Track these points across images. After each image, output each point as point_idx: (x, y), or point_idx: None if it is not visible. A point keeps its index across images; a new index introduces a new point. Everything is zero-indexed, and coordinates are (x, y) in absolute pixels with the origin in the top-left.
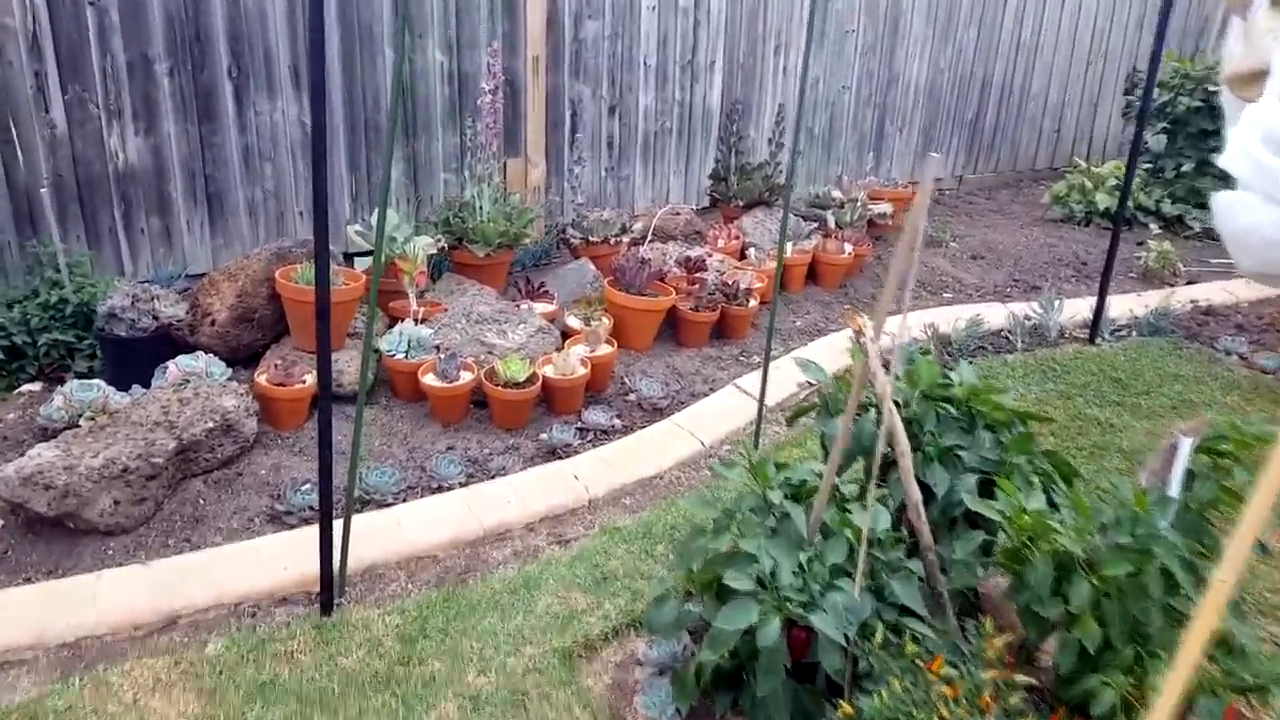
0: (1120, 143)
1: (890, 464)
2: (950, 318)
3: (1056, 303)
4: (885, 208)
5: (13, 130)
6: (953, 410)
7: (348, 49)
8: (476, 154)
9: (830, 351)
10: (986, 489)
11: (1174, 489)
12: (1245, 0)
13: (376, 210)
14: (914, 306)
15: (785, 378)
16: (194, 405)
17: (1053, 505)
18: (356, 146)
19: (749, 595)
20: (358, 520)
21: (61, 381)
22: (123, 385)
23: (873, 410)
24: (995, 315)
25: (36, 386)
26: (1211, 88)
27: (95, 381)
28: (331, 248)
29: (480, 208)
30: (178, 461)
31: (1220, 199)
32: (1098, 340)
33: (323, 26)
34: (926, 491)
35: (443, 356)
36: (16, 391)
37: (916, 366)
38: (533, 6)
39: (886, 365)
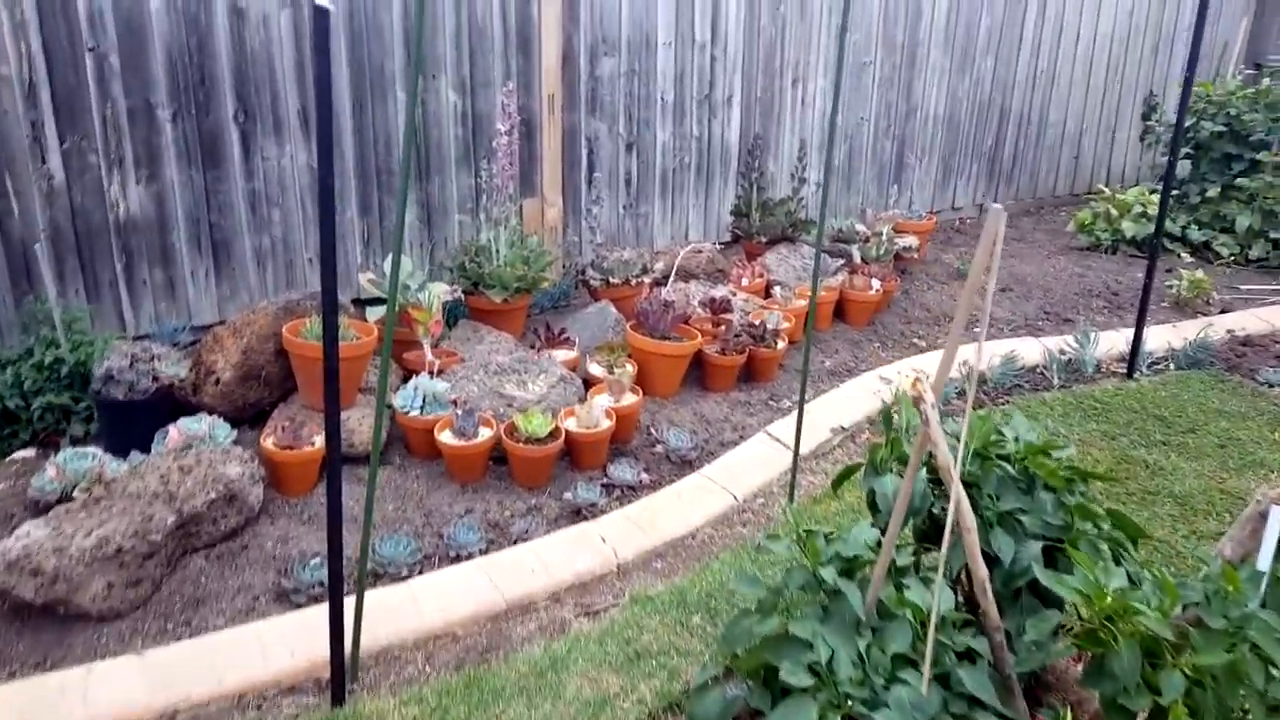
0: (1139, 168)
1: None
2: (984, 354)
3: (1092, 335)
4: (911, 240)
5: (7, 182)
6: (1010, 470)
7: (358, 90)
8: (492, 196)
9: (863, 393)
10: (1049, 557)
11: (1264, 562)
12: None
13: (390, 256)
14: (944, 344)
15: (817, 423)
16: (196, 473)
17: (1130, 580)
18: (369, 191)
19: (806, 692)
20: (371, 597)
21: (57, 447)
22: (122, 450)
23: (923, 471)
24: (1029, 350)
25: (31, 453)
26: (1233, 111)
27: (90, 449)
28: (341, 297)
29: (497, 251)
30: (178, 536)
31: None
32: (1136, 374)
33: (329, 76)
34: (989, 561)
35: (460, 413)
36: (9, 459)
37: (970, 422)
38: (548, 44)
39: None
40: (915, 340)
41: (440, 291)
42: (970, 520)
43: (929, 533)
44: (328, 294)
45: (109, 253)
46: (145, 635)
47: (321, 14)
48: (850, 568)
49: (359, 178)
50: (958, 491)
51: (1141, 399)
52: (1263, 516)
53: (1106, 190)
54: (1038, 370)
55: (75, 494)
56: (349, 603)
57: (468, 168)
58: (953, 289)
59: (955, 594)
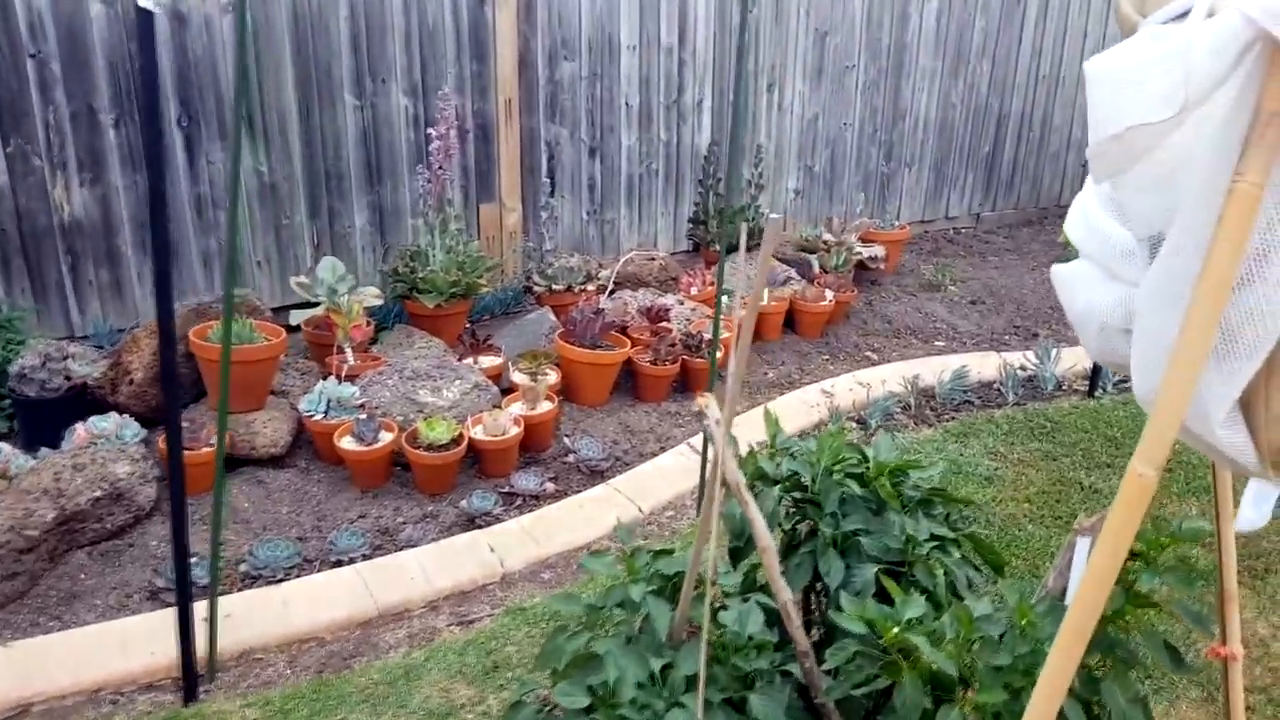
0: None
1: (792, 547)
2: (937, 369)
3: (1054, 351)
4: (878, 250)
5: None
6: (856, 489)
7: (304, 91)
8: (427, 200)
9: (801, 407)
10: (895, 579)
11: (1069, 594)
12: None
13: (323, 260)
14: (902, 356)
15: (744, 438)
16: (88, 471)
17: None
18: (317, 195)
19: (582, 713)
20: (242, 599)
21: None
22: (35, 447)
23: (775, 488)
24: (987, 366)
25: None
26: None
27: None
28: (257, 300)
29: (432, 256)
30: (60, 533)
31: (1058, 272)
32: (1098, 393)
33: (156, 80)
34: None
35: (362, 418)
36: None
37: (820, 440)
38: (503, 49)
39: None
40: (868, 353)
41: (370, 295)
42: (765, 540)
43: (782, 551)
44: (163, 319)
45: (54, 254)
46: (16, 628)
47: (145, 16)
48: (666, 587)
49: (307, 181)
50: (750, 511)
51: (1096, 418)
52: (1072, 546)
53: None
54: (993, 386)
55: None
56: (204, 605)
57: (419, 170)
58: (920, 300)
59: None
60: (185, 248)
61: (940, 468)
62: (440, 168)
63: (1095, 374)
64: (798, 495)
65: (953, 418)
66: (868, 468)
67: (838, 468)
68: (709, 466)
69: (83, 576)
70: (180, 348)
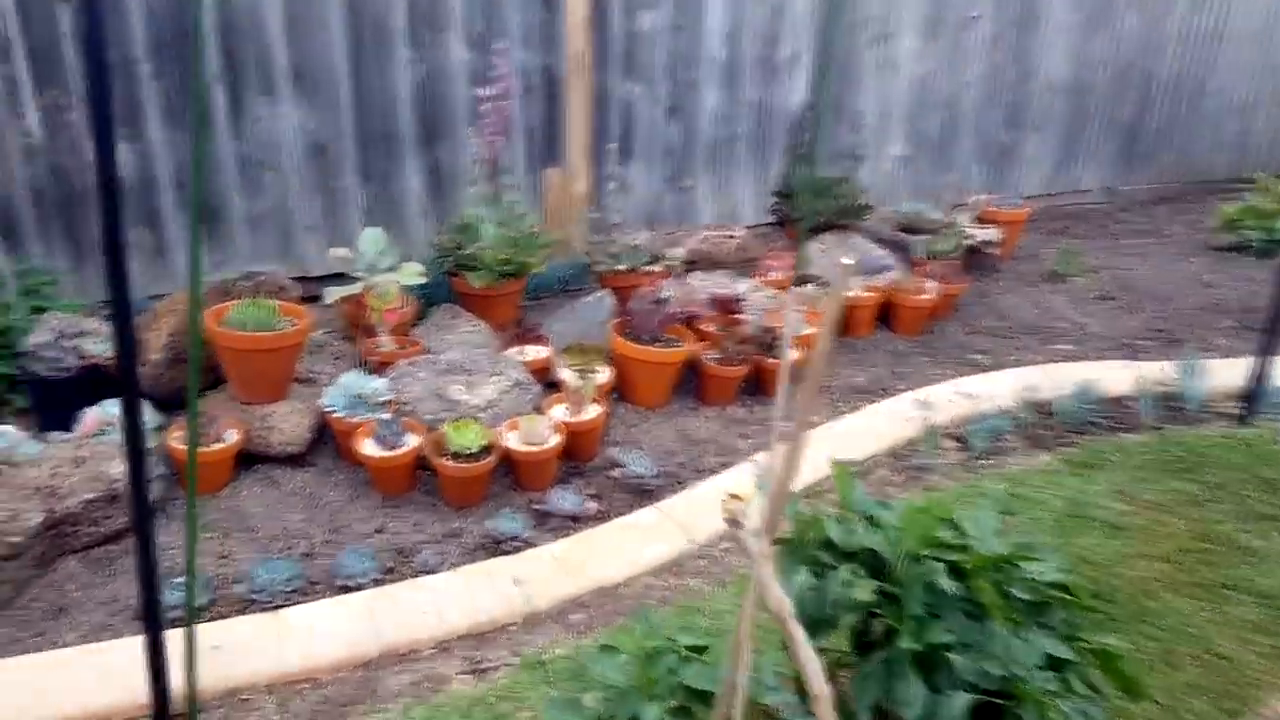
0: None
1: (864, 647)
2: (1058, 379)
3: (1199, 365)
4: (993, 234)
5: None
6: (950, 584)
7: (357, 45)
8: (479, 168)
9: (891, 420)
10: (993, 716)
11: None
12: None
13: (365, 232)
14: (1016, 360)
15: (821, 456)
16: (86, 468)
17: None
18: (369, 156)
19: None
20: (234, 627)
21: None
22: (52, 426)
23: (844, 567)
24: (1118, 378)
25: None
26: None
27: (3, 429)
28: (284, 279)
29: (482, 230)
30: (50, 537)
31: None
32: (1254, 419)
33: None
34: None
35: (385, 417)
36: None
37: (906, 512)
38: None
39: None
40: (975, 356)
41: (409, 274)
42: (819, 687)
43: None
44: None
45: (92, 215)
46: None
47: None
48: (692, 710)
49: (359, 142)
50: (800, 653)
51: (1251, 453)
52: None
53: (1263, 177)
54: (1124, 404)
55: None
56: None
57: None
58: (1040, 293)
59: None
60: (228, 211)
61: (1059, 560)
62: (492, 133)
63: (1254, 394)
64: (873, 579)
65: (1074, 442)
66: (966, 555)
67: (927, 552)
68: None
69: (71, 587)
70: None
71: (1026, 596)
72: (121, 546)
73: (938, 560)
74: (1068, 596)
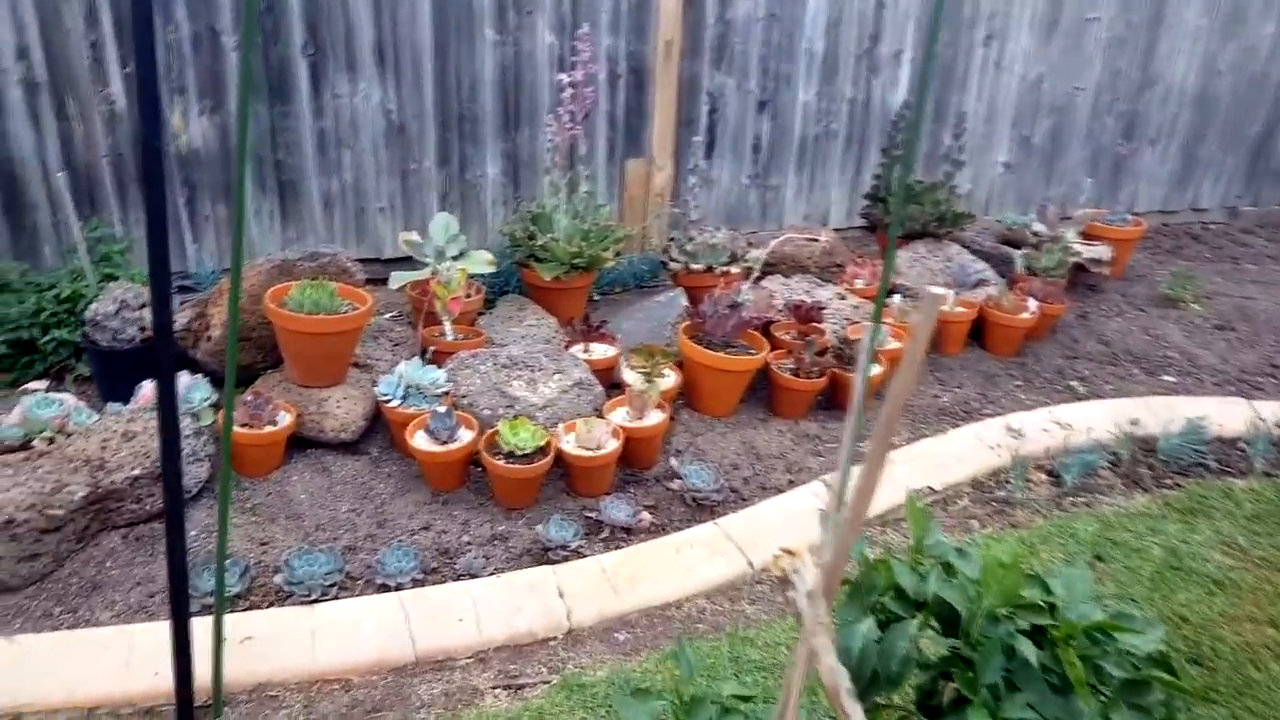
0: None
1: (930, 712)
2: (1163, 414)
3: None
4: (1102, 251)
5: (70, 104)
6: (1032, 652)
7: (442, 24)
8: (554, 157)
9: (976, 446)
10: None
11: None
12: None
13: (436, 217)
14: (1117, 390)
15: (899, 481)
16: (136, 443)
17: None
18: (448, 139)
19: None
20: (266, 620)
21: (62, 382)
22: (111, 397)
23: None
24: (1230, 416)
25: (43, 385)
26: None
27: (60, 396)
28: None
29: (555, 221)
30: (93, 512)
31: None
32: None
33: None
34: None
35: (440, 410)
36: (22, 389)
37: (987, 565)
38: None
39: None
40: (1073, 383)
41: (478, 262)
42: None
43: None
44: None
45: (170, 185)
46: (29, 616)
47: None
48: None
49: (438, 123)
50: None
51: None
52: None
53: None
54: (1236, 445)
55: (36, 443)
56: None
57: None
58: (1150, 318)
59: None
60: (305, 186)
61: (1160, 632)
62: (571, 120)
63: None
64: (945, 635)
65: (1177, 484)
66: (1052, 619)
67: (1008, 612)
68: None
69: (109, 564)
70: (261, 306)
71: (1120, 673)
72: (164, 525)
73: (1020, 623)
74: (1167, 676)
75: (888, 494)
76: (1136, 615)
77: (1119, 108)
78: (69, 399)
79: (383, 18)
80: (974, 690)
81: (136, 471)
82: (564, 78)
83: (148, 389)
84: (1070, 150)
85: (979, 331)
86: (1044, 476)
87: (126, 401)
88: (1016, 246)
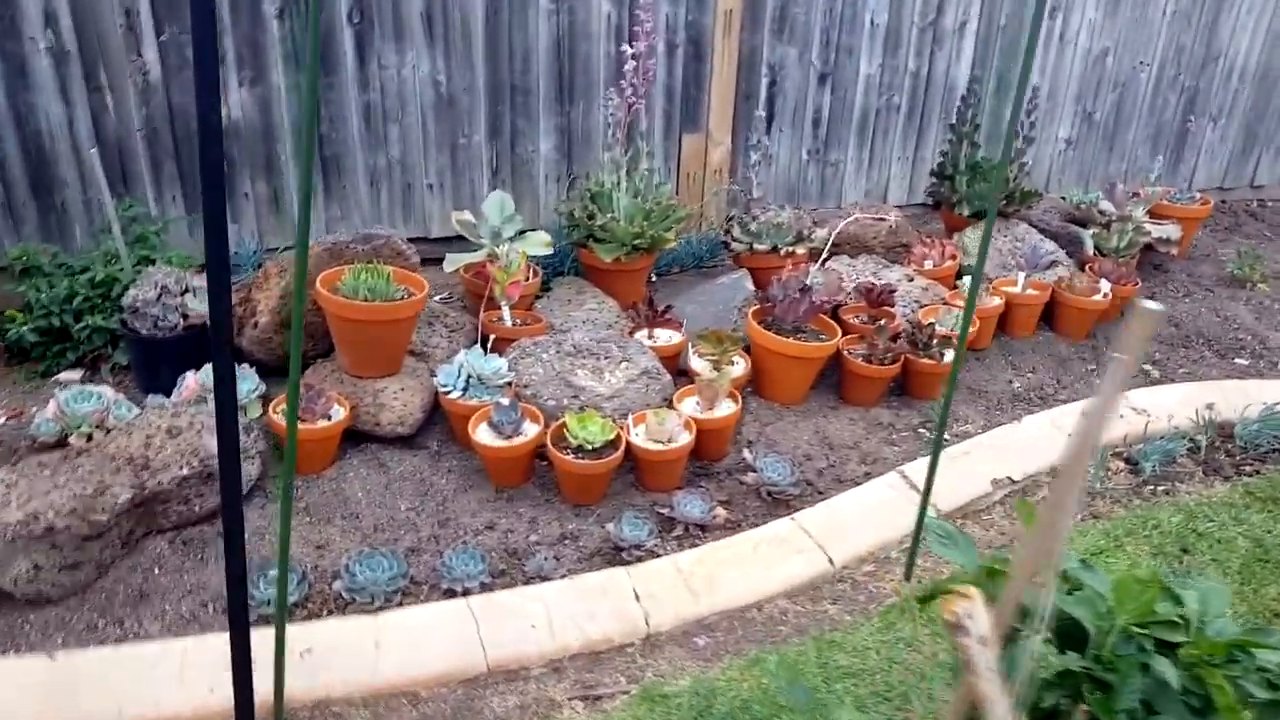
0: None
1: None
2: (1238, 398)
3: None
4: (1170, 230)
5: (102, 74)
6: (1170, 671)
7: None
8: (614, 132)
9: (1053, 433)
10: None
11: None
12: None
13: (491, 196)
14: (1190, 373)
15: (977, 469)
16: (182, 440)
17: None
18: (500, 112)
19: None
20: (326, 631)
21: (97, 371)
22: (149, 389)
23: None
24: None
25: (76, 375)
26: None
27: (98, 389)
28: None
29: (615, 200)
30: (137, 515)
31: None
32: None
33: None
34: None
35: (503, 402)
36: (54, 379)
37: (1120, 581)
38: None
39: None
40: (1146, 366)
41: (535, 243)
42: None
43: None
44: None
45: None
46: (71, 630)
47: None
48: None
49: (489, 96)
50: None
51: None
52: None
53: None
54: None
55: (72, 439)
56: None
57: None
58: (1218, 299)
59: None
60: (350, 162)
61: None
62: (634, 93)
63: None
64: (1063, 651)
65: (1257, 470)
66: (1185, 635)
67: (1142, 629)
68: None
69: (157, 572)
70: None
71: (1263, 694)
72: (214, 528)
73: (1153, 640)
74: None
75: (968, 485)
76: (1274, 630)
77: (1182, 82)
78: (108, 392)
79: None
80: (1111, 714)
81: (184, 471)
82: (628, 49)
83: (191, 380)
84: (1133, 126)
85: (1050, 314)
86: (1122, 465)
87: (169, 393)
88: (1083, 225)
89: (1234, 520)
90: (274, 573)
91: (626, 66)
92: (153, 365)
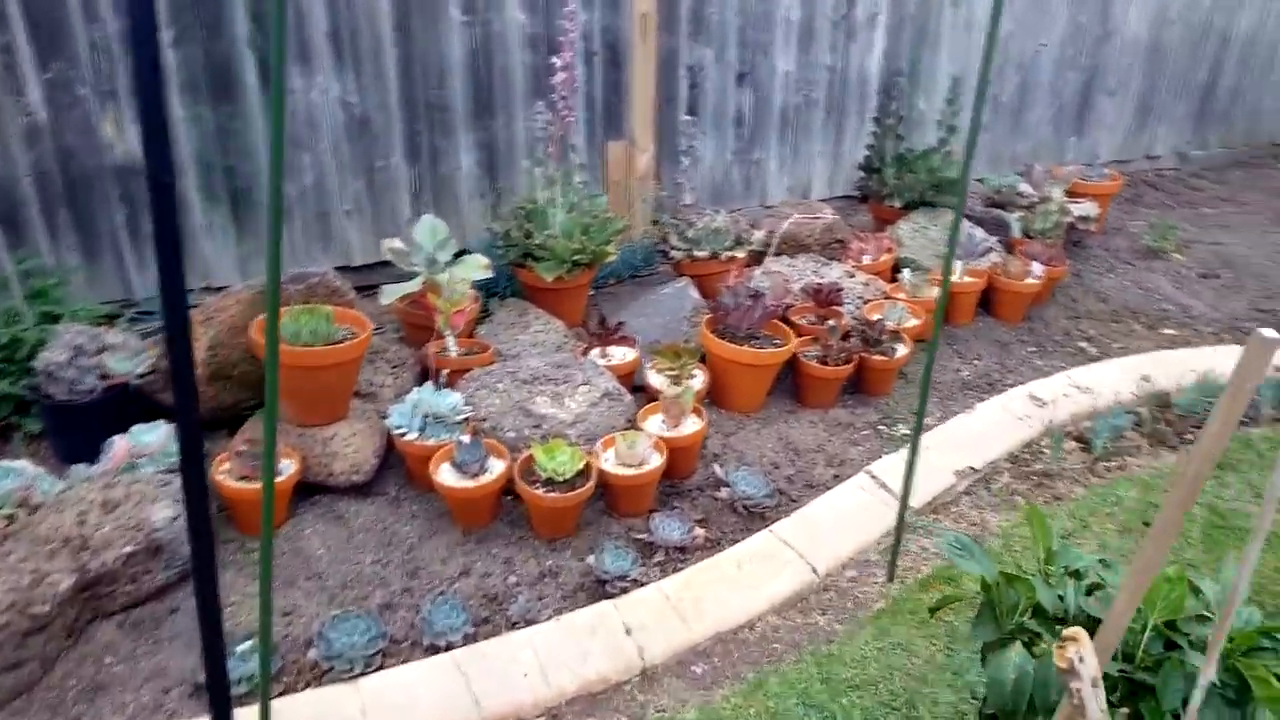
0: None
1: None
2: (1173, 368)
3: None
4: (1089, 208)
5: None
6: (1213, 673)
7: (401, 8)
8: (547, 146)
9: (1006, 419)
10: None
11: None
12: None
13: (421, 220)
14: (1124, 347)
15: (937, 462)
16: (120, 512)
17: None
18: (417, 131)
19: None
20: (305, 704)
21: (9, 442)
22: (72, 457)
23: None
24: (1231, 364)
25: None
26: None
27: (17, 464)
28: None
29: (552, 217)
30: (82, 600)
31: None
32: None
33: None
34: None
35: (465, 440)
36: None
37: (1158, 585)
38: None
39: None
40: (1082, 343)
41: (474, 268)
42: None
43: None
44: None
45: (106, 202)
46: None
47: None
48: None
49: (405, 115)
50: None
51: None
52: None
53: None
54: None
55: None
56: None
57: (537, 102)
58: (1139, 271)
59: None
60: (261, 194)
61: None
62: (565, 105)
63: None
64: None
65: (1197, 438)
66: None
67: (1174, 631)
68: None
69: (110, 660)
70: (243, 340)
71: None
72: (166, 605)
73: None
74: None
75: (932, 478)
76: None
77: (1081, 61)
78: (27, 466)
79: (337, 3)
80: (1160, 717)
81: (128, 548)
82: (556, 60)
83: (120, 446)
84: (1035, 106)
85: (987, 300)
86: (1074, 444)
87: (92, 461)
88: (1002, 208)
89: None
90: (243, 647)
91: (556, 78)
92: (72, 432)
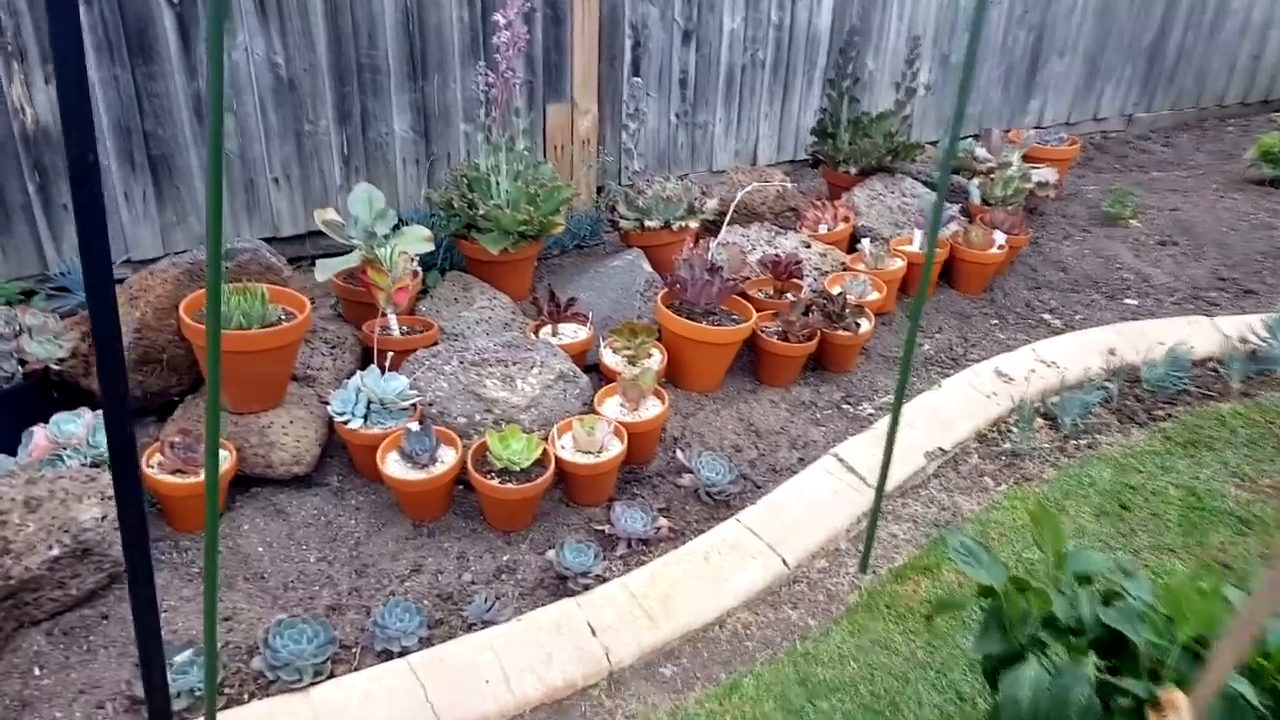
0: None
1: None
2: (1138, 340)
3: None
4: (1048, 174)
5: None
6: (1248, 693)
7: None
8: (489, 111)
9: (973, 396)
10: None
11: None
12: None
13: (356, 190)
14: (1086, 318)
15: (906, 442)
16: (44, 511)
17: None
18: (347, 93)
19: None
20: (255, 715)
21: None
22: None
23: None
24: (1201, 336)
25: None
26: None
27: None
28: (271, 256)
29: (496, 185)
30: (5, 609)
31: None
32: None
33: None
34: None
35: (413, 428)
36: None
37: (1177, 593)
38: None
39: None
40: (1045, 315)
41: (415, 240)
42: None
43: None
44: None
45: (17, 171)
46: None
47: None
48: None
49: (334, 77)
50: None
51: None
52: None
53: None
54: (1209, 366)
55: None
56: None
57: (475, 63)
58: (1097, 239)
59: None
60: (182, 161)
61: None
62: (508, 67)
63: None
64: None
65: (1168, 414)
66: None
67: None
68: None
69: (38, 673)
70: (172, 321)
71: None
72: (97, 610)
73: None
74: None
75: (902, 461)
76: None
77: (1030, 19)
78: None
79: None
80: None
81: (54, 551)
82: (499, 18)
83: (41, 437)
84: (985, 67)
85: (948, 270)
86: (1041, 421)
87: (12, 452)
88: (957, 174)
89: (1161, 469)
90: (181, 657)
91: (500, 36)
92: None
